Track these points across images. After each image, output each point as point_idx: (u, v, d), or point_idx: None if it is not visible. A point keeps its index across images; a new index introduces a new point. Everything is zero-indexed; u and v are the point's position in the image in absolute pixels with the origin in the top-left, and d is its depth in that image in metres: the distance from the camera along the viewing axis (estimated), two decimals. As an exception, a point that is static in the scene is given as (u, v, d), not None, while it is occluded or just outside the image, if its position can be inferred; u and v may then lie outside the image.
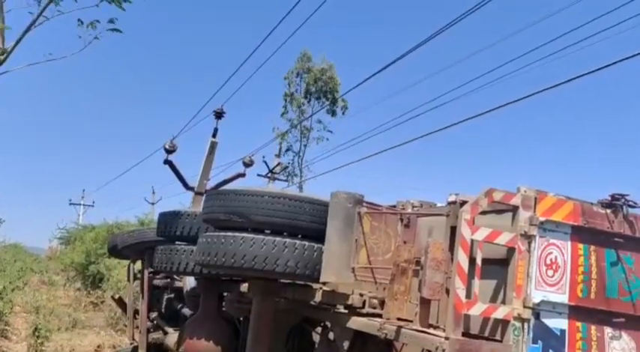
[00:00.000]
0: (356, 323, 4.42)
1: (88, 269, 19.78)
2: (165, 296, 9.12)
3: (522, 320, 3.53)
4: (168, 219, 5.89)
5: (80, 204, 48.91)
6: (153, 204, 37.69)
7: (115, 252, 9.91)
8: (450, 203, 4.36)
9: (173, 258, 5.71)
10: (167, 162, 8.73)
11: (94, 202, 49.15)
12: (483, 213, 3.91)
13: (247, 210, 4.51)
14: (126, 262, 10.74)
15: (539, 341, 3.54)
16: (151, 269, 8.89)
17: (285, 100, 25.23)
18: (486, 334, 3.69)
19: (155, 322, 9.19)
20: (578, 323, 3.66)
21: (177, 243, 5.86)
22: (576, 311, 3.66)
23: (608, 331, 3.73)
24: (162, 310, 9.15)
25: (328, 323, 5.09)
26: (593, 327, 3.69)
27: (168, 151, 8.65)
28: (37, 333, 10.70)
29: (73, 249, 24.05)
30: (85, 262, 20.22)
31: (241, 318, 6.52)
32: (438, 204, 5.13)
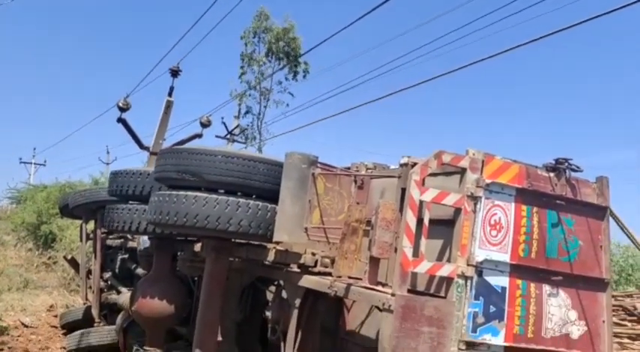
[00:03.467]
0: (307, 281, 4.50)
1: (40, 229, 19.38)
2: (119, 257, 9.04)
3: (466, 278, 3.66)
4: (120, 178, 5.78)
5: (31, 163, 47.39)
6: (108, 164, 36.87)
7: (67, 211, 9.75)
8: (401, 165, 4.45)
9: (125, 217, 5.63)
10: (121, 120, 8.52)
11: (45, 161, 47.73)
12: (434, 175, 4.00)
13: (200, 169, 4.47)
14: (79, 222, 10.58)
15: (481, 298, 3.69)
16: (104, 230, 8.81)
17: (243, 61, 24.55)
18: (432, 291, 3.82)
19: (109, 282, 9.15)
20: (519, 281, 3.82)
21: (130, 202, 5.78)
22: (517, 270, 3.82)
23: (546, 288, 3.91)
24: (116, 270, 9.09)
25: (281, 282, 5.17)
26: (532, 285, 3.86)
27: (122, 109, 8.43)
28: (-14, 293, 10.49)
29: (24, 208, 23.42)
30: (37, 222, 19.80)
31: (195, 278, 6.55)
32: (391, 167, 5.22)
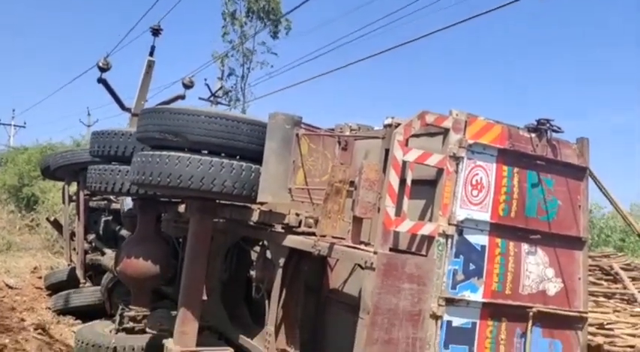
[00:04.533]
0: (291, 241, 4.55)
1: (22, 191, 19.28)
2: (103, 219, 9.05)
3: (447, 237, 3.73)
4: (102, 139, 5.72)
5: (11, 125, 46.51)
6: (89, 126, 36.32)
7: (48, 173, 9.68)
8: (386, 126, 4.45)
9: (107, 178, 5.60)
10: (101, 80, 8.41)
11: (25, 123, 46.79)
12: (417, 136, 4.02)
13: (183, 129, 4.43)
14: (61, 184, 10.52)
15: (461, 256, 3.77)
16: (87, 191, 8.77)
17: (225, 20, 24.04)
18: (413, 249, 3.89)
19: (93, 244, 9.17)
20: (498, 240, 3.90)
21: (112, 163, 5.75)
22: (497, 229, 3.89)
23: (525, 247, 4.00)
24: (100, 232, 9.11)
25: (265, 242, 5.22)
26: (511, 243, 3.95)
27: (102, 69, 8.31)
28: (-32, 255, 10.45)
29: (4, 171, 23.19)
30: (19, 184, 19.69)
31: (180, 239, 6.58)
32: (376, 128, 5.22)
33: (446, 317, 3.68)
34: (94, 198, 9.12)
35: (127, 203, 6.92)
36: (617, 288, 9.84)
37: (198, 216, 5.06)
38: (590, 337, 6.07)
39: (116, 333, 5.89)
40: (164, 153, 4.46)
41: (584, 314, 4.10)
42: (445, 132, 3.83)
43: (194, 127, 4.43)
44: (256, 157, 4.59)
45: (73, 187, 9.68)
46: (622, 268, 10.72)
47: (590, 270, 10.74)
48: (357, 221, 3.91)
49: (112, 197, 8.71)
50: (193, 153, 4.47)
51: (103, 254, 8.49)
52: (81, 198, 8.94)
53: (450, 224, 3.74)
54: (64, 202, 10.14)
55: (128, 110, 8.69)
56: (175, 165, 4.37)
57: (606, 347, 6.00)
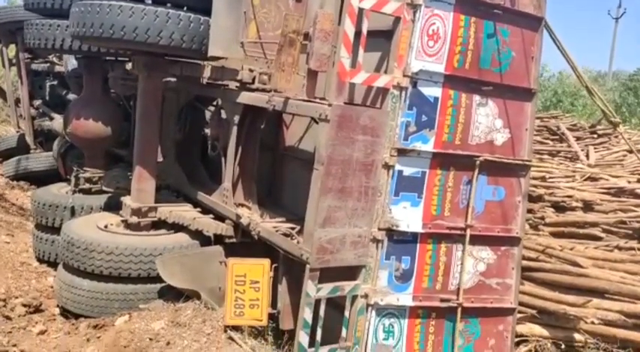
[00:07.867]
0: (245, 97, 4.47)
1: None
2: (48, 83, 8.68)
3: (401, 89, 3.71)
4: (35, -10, 5.27)
5: None
6: (24, -13, 33.37)
7: (-19, 33, 9.00)
8: (342, -26, 4.20)
9: (47, 33, 5.25)
10: None
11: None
12: (374, -16, 3.82)
13: (122, -25, 4.09)
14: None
15: (414, 108, 3.79)
16: (28, 54, 8.30)
17: None
18: (368, 103, 3.87)
19: (40, 110, 8.86)
20: (451, 91, 3.91)
21: (49, 17, 5.35)
22: (450, 80, 3.88)
23: (476, 98, 4.03)
24: (47, 97, 8.77)
25: (219, 101, 5.12)
26: (464, 95, 3.97)
27: None
28: None
29: None
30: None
31: (132, 102, 6.39)
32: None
33: (397, 167, 3.78)
34: (35, 61, 8.65)
35: (72, 62, 6.58)
36: (562, 147, 10.33)
37: (147, 73, 4.86)
38: (532, 188, 6.46)
39: (73, 194, 5.89)
40: (104, 2, 4.15)
41: (528, 163, 4.28)
42: (403, -23, 3.65)
43: (134, -27, 4.09)
44: (205, 8, 4.33)
45: (13, 51, 9.11)
46: (568, 128, 11.18)
47: (538, 131, 11.15)
48: (312, 74, 3.81)
49: (55, 59, 8.28)
50: (136, 2, 4.18)
51: (51, 119, 8.24)
52: (22, 61, 8.46)
53: (404, 76, 3.71)
54: (4, 66, 9.59)
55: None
56: (117, 16, 4.10)
57: (547, 197, 6.40)
